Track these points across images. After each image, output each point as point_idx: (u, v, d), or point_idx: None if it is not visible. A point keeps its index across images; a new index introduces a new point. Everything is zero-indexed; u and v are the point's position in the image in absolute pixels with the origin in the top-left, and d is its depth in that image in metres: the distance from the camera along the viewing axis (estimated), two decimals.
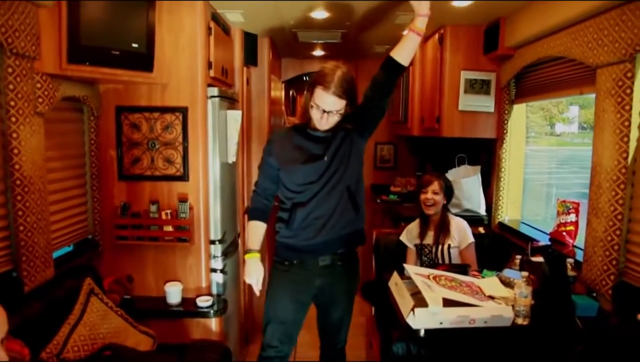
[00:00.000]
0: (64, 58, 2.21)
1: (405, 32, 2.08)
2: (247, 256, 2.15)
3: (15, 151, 2.02)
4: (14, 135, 2.01)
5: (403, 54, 2.06)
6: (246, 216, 2.18)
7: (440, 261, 2.82)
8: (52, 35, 2.18)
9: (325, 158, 2.08)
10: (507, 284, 2.30)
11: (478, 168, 3.55)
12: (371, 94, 2.13)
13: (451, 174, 3.44)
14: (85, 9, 2.23)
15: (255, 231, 2.19)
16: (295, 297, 2.21)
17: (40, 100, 2.15)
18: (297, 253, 2.17)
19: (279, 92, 4.83)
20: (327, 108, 2.01)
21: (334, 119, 2.06)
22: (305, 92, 2.13)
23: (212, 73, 2.80)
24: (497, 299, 2.11)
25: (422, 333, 1.98)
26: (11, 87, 1.99)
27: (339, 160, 2.10)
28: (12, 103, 2.00)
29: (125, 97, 2.75)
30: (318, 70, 2.06)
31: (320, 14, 3.08)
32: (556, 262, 2.16)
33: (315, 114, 2.06)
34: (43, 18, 2.14)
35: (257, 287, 2.12)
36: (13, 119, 2.01)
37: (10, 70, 1.98)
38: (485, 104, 3.29)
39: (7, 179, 2.03)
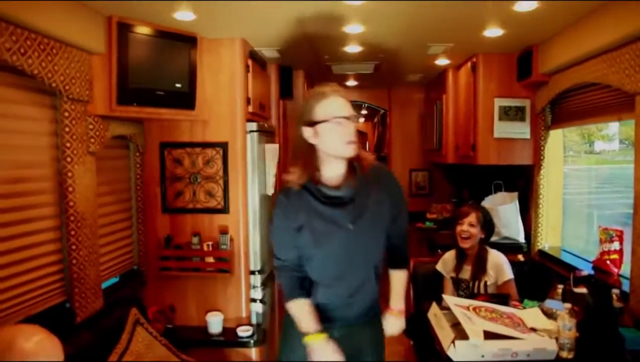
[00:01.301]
0: (114, 100, 2.37)
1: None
2: (307, 340, 1.74)
3: (70, 189, 2.16)
4: (69, 174, 2.16)
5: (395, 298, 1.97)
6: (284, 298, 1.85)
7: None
8: (103, 79, 2.35)
9: (351, 226, 1.71)
10: (550, 315, 2.24)
11: (515, 195, 3.50)
12: (392, 240, 1.90)
13: (488, 201, 3.40)
14: (133, 54, 2.40)
15: (302, 311, 1.77)
16: None
17: (92, 140, 2.31)
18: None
19: None
20: (349, 112, 1.66)
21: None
22: (299, 138, 1.70)
23: (250, 108, 2.91)
24: (539, 332, 2.06)
25: None
26: (67, 129, 2.14)
27: (366, 228, 1.74)
28: (68, 144, 2.15)
29: (168, 134, 2.90)
30: (307, 98, 1.77)
31: (353, 48, 3.17)
32: (600, 293, 2.10)
33: (336, 135, 1.65)
34: (95, 64, 2.31)
35: None
36: (68, 159, 2.15)
37: (66, 114, 2.14)
38: (521, 130, 3.27)
39: (62, 216, 2.17)
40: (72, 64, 2.12)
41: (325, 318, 1.80)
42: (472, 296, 2.72)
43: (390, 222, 1.83)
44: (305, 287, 1.81)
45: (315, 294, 1.80)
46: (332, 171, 1.72)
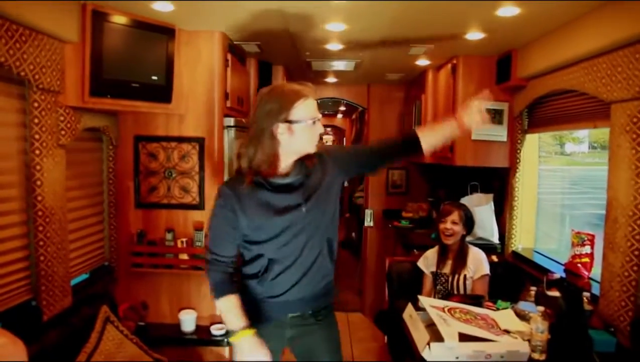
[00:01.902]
0: (87, 92, 2.29)
1: (452, 124, 1.91)
2: (233, 340, 1.79)
3: (38, 183, 2.08)
4: (37, 167, 2.07)
5: (433, 141, 1.93)
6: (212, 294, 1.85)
7: (455, 291, 2.80)
8: (76, 69, 2.26)
9: (303, 208, 1.77)
10: (523, 317, 2.28)
11: (491, 196, 3.55)
12: (380, 152, 1.97)
13: (464, 202, 3.43)
14: (107, 44, 2.31)
15: (231, 308, 1.79)
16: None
17: (62, 132, 2.22)
18: (264, 308, 1.87)
19: None
20: (319, 115, 1.76)
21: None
22: (265, 134, 1.69)
23: (228, 103, 2.86)
24: (512, 334, 2.09)
25: None
26: (36, 120, 2.06)
27: (322, 209, 1.82)
28: (37, 136, 2.06)
29: (143, 127, 2.82)
30: (280, 94, 1.73)
31: (335, 45, 3.14)
32: (573, 297, 2.14)
33: (310, 135, 1.74)
34: (67, 53, 2.22)
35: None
36: (37, 152, 2.07)
37: (35, 104, 2.05)
38: (498, 133, 3.31)
39: (30, 210, 2.09)
40: (42, 52, 2.03)
41: (282, 301, 1.84)
42: (449, 290, 2.79)
43: (359, 166, 1.99)
44: (233, 282, 1.83)
45: (270, 272, 1.81)
46: (285, 163, 1.78)
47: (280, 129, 1.70)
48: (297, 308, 1.89)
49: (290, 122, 1.69)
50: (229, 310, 1.79)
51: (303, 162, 1.80)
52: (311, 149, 1.78)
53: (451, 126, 1.92)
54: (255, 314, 1.86)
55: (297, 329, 1.92)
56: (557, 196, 3.42)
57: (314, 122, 1.73)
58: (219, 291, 1.81)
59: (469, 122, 1.91)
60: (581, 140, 3.35)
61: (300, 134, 1.71)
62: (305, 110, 1.70)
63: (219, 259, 1.81)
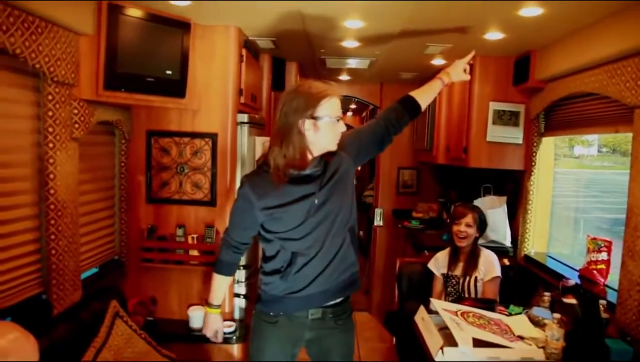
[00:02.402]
0: (101, 85, 2.27)
1: (435, 83, 2.14)
2: (209, 310, 2.06)
3: (51, 176, 2.06)
4: (51, 160, 2.06)
5: (427, 100, 2.08)
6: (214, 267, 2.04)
7: (466, 293, 2.77)
8: (90, 62, 2.24)
9: (316, 200, 1.81)
10: (537, 323, 2.25)
11: (504, 199, 3.50)
12: (386, 125, 1.99)
13: (477, 204, 3.39)
14: (122, 37, 2.29)
15: (221, 287, 2.03)
16: (282, 349, 1.95)
17: (76, 125, 2.21)
18: (286, 305, 1.90)
19: None
20: (341, 114, 1.82)
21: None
22: (293, 130, 1.74)
23: (242, 99, 2.84)
24: (526, 340, 2.06)
25: None
26: (50, 113, 2.04)
27: (338, 197, 1.85)
28: (50, 129, 2.05)
29: (156, 121, 2.80)
30: (307, 91, 1.77)
31: (351, 43, 3.10)
32: (589, 305, 2.10)
33: (333, 132, 1.79)
34: (82, 46, 2.20)
35: (218, 338, 2.10)
36: (50, 145, 2.06)
37: (50, 97, 2.03)
38: (514, 135, 3.26)
39: (42, 204, 2.08)
40: (57, 44, 2.01)
41: (304, 296, 1.87)
42: (460, 292, 2.76)
43: (367, 149, 2.01)
44: (235, 270, 2.08)
45: (294, 265, 1.84)
46: (310, 158, 1.83)
47: (307, 125, 1.74)
48: (319, 302, 1.90)
49: (316, 118, 1.74)
50: (219, 287, 2.03)
51: (322, 156, 1.84)
52: (333, 146, 1.82)
53: (437, 84, 2.13)
54: (276, 312, 1.91)
55: (317, 331, 1.94)
56: (569, 199, 3.38)
57: (337, 120, 1.78)
58: (222, 269, 2.02)
59: (455, 75, 2.16)
60: (590, 143, 3.31)
61: (324, 130, 1.76)
62: (330, 108, 1.76)
63: (231, 242, 1.96)
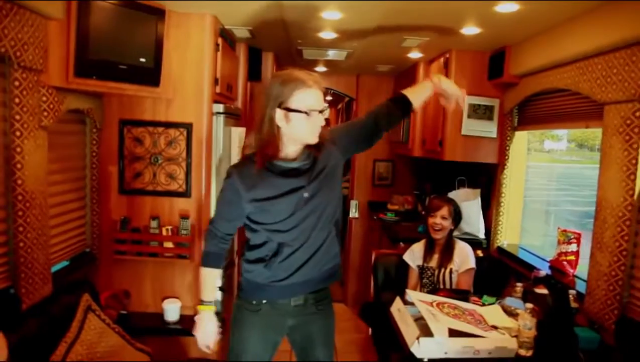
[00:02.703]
0: (71, 71, 2.19)
1: (426, 84, 2.11)
2: (201, 308, 1.94)
3: (19, 166, 1.98)
4: (18, 149, 1.98)
5: (418, 99, 2.06)
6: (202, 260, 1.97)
7: (441, 284, 2.82)
8: (60, 48, 2.16)
9: (305, 193, 1.81)
10: (510, 313, 2.30)
11: (478, 191, 3.56)
12: (376, 121, 1.98)
13: (451, 196, 3.44)
14: (94, 23, 2.21)
15: (211, 280, 1.95)
16: (265, 337, 1.97)
17: (45, 113, 2.12)
18: (268, 293, 1.93)
19: None
20: (322, 105, 1.75)
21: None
22: (266, 117, 1.73)
23: (218, 89, 2.79)
24: (500, 329, 2.11)
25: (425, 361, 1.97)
26: (17, 100, 1.95)
27: (326, 192, 1.85)
28: (17, 117, 1.96)
29: (129, 110, 2.72)
30: (285, 80, 1.72)
31: (328, 34, 3.08)
32: (560, 295, 2.16)
33: (308, 125, 1.73)
34: (52, 31, 2.11)
35: (210, 346, 1.94)
36: (17, 133, 1.97)
37: (17, 83, 1.95)
38: (488, 129, 3.31)
39: (9, 194, 1.99)
40: (24, 28, 1.92)
41: (287, 285, 1.90)
42: (435, 284, 2.80)
43: (357, 142, 2.00)
44: (223, 261, 1.97)
45: (279, 255, 1.86)
46: (290, 149, 1.80)
47: (278, 115, 1.72)
48: (301, 290, 1.94)
49: (287, 109, 1.70)
50: (208, 281, 1.94)
51: (311, 150, 1.83)
52: (310, 140, 1.77)
53: (427, 84, 2.09)
54: (258, 301, 1.94)
55: (299, 318, 1.98)
56: (539, 192, 3.48)
57: (313, 113, 1.71)
58: (208, 261, 1.94)
59: (446, 83, 2.10)
60: (560, 137, 3.40)
61: (296, 123, 1.72)
62: (304, 99, 1.70)
63: (217, 233, 1.91)
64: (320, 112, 1.74)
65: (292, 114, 1.70)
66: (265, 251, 1.88)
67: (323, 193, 1.84)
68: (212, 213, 2.78)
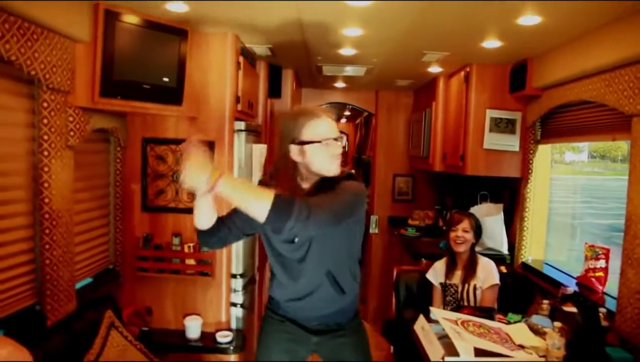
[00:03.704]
0: (97, 92, 2.24)
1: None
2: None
3: (46, 185, 2.03)
4: (46, 168, 2.03)
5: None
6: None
7: (464, 301, 2.76)
8: (86, 69, 2.21)
9: (296, 240, 1.77)
10: (536, 331, 2.24)
11: (501, 206, 3.50)
12: None
13: (474, 211, 3.39)
14: (119, 44, 2.27)
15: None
16: (289, 349, 1.93)
17: (72, 133, 2.17)
18: (287, 310, 1.94)
19: None
20: (337, 133, 1.72)
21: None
22: (283, 156, 1.71)
23: (239, 107, 2.81)
24: (527, 349, 2.05)
25: None
26: (45, 121, 2.01)
27: (319, 241, 1.78)
28: (45, 137, 2.02)
29: (152, 129, 2.77)
30: (294, 115, 1.72)
31: (348, 50, 3.10)
32: (590, 313, 2.09)
33: (324, 155, 1.68)
34: (78, 53, 2.17)
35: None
36: (45, 153, 2.02)
37: (45, 104, 2.00)
38: (511, 143, 3.27)
39: (36, 213, 2.04)
40: (53, 51, 1.99)
41: (281, 314, 1.94)
42: (459, 301, 2.75)
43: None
44: (214, 231, 1.75)
45: (271, 286, 1.94)
46: (304, 185, 1.76)
47: (294, 150, 1.69)
48: (315, 321, 1.93)
49: (302, 143, 1.68)
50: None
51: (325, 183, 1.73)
52: (331, 170, 1.71)
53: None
54: (282, 315, 1.95)
55: (323, 336, 1.95)
56: (562, 205, 3.40)
57: (328, 143, 1.68)
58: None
59: None
60: (581, 149, 3.34)
61: (312, 154, 1.68)
62: (316, 129, 1.68)
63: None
64: (335, 139, 1.70)
65: (307, 147, 1.67)
66: (273, 269, 1.92)
67: (319, 244, 1.78)
68: None
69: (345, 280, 1.87)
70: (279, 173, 1.73)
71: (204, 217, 1.70)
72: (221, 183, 1.41)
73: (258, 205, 1.43)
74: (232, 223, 1.78)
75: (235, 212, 1.78)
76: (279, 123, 1.78)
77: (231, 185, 1.44)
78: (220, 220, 1.77)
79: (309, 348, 1.97)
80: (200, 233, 1.76)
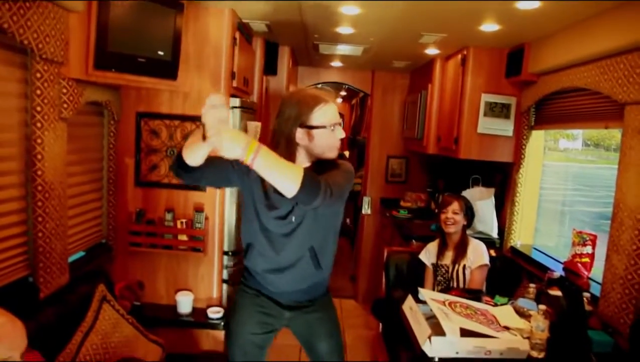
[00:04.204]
0: (91, 64, 2.21)
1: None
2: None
3: (39, 157, 2.01)
4: (38, 140, 2.01)
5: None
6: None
7: (454, 281, 2.82)
8: (80, 40, 2.18)
9: (293, 217, 1.82)
10: (522, 314, 2.29)
11: (492, 190, 3.53)
12: None
13: (465, 195, 3.41)
14: (114, 16, 2.23)
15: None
16: (262, 321, 1.98)
17: (65, 105, 2.15)
18: (261, 282, 1.96)
19: None
20: (339, 118, 1.79)
21: None
22: (281, 137, 1.73)
23: (234, 83, 2.79)
24: (512, 330, 2.10)
25: (436, 361, 1.97)
26: (38, 92, 1.98)
27: (310, 218, 1.84)
28: (39, 108, 1.99)
29: (146, 103, 2.75)
30: (301, 99, 1.73)
31: (346, 29, 3.07)
32: (574, 297, 2.14)
33: (329, 140, 1.75)
34: (72, 23, 2.13)
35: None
36: (38, 125, 2.00)
37: (38, 75, 1.97)
38: (505, 128, 3.28)
39: (29, 185, 2.03)
40: (47, 20, 1.94)
41: (255, 287, 1.97)
42: (449, 281, 2.80)
43: None
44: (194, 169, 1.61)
45: (249, 257, 1.92)
46: (306, 165, 1.79)
47: (299, 134, 1.73)
48: (287, 297, 1.97)
49: (309, 127, 1.72)
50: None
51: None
52: (331, 154, 1.79)
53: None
54: (256, 288, 1.98)
55: (295, 311, 2.00)
56: (554, 191, 3.44)
57: (333, 128, 1.74)
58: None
59: None
60: (575, 137, 3.36)
61: (319, 138, 1.74)
62: (324, 115, 1.73)
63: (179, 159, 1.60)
64: (340, 125, 1.77)
65: (314, 132, 1.72)
66: (244, 241, 1.96)
67: (311, 220, 1.84)
68: (227, 207, 2.82)
69: (324, 256, 1.93)
70: (278, 153, 1.67)
71: (197, 159, 1.54)
72: (258, 161, 1.40)
73: (288, 183, 1.46)
74: (209, 173, 1.72)
75: (215, 167, 1.73)
76: (284, 104, 1.77)
77: (264, 163, 1.42)
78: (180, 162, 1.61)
79: (281, 323, 2.02)
80: (179, 163, 1.60)
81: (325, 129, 1.73)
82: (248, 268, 1.99)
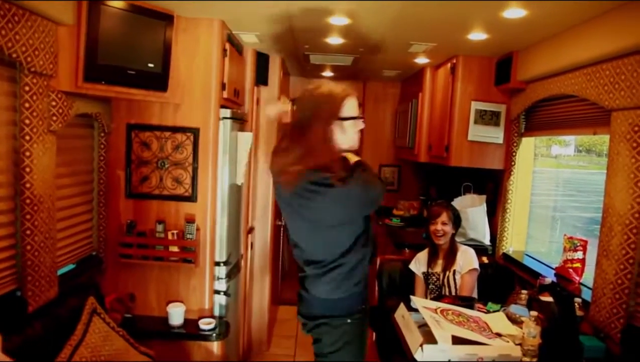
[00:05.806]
0: (80, 76, 2.21)
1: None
2: None
3: (27, 170, 2.01)
4: (27, 153, 2.00)
5: None
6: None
7: (446, 288, 2.82)
8: (70, 53, 2.18)
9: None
10: (514, 320, 2.29)
11: (484, 198, 3.55)
12: None
13: (457, 203, 3.43)
14: (103, 28, 2.23)
15: None
16: None
17: (54, 118, 2.15)
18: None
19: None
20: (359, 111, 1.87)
21: None
22: (323, 136, 1.74)
23: (225, 94, 2.80)
24: (504, 337, 2.10)
25: None
26: (27, 105, 1.98)
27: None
28: (27, 121, 1.99)
29: (137, 115, 2.74)
30: (329, 94, 1.77)
31: (335, 39, 3.09)
32: (565, 303, 2.15)
33: (356, 131, 1.83)
34: (62, 36, 2.14)
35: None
36: (27, 137, 2.00)
37: (27, 88, 1.97)
38: (495, 135, 3.31)
39: (17, 198, 2.02)
40: (35, 34, 1.95)
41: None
42: (440, 288, 2.80)
43: None
44: None
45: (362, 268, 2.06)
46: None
47: (335, 128, 1.76)
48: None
49: (342, 119, 1.76)
50: None
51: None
52: (356, 144, 1.87)
53: None
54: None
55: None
56: (545, 198, 3.46)
57: (357, 118, 1.81)
58: None
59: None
60: (567, 143, 3.39)
61: (350, 130, 1.80)
62: (352, 106, 1.79)
63: None
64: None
65: (347, 124, 1.77)
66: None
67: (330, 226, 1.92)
68: (218, 218, 2.81)
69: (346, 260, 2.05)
70: (323, 156, 1.74)
71: None
72: None
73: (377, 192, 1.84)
74: None
75: None
76: (308, 101, 1.77)
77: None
78: None
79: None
80: None
81: (354, 121, 1.79)
82: None
